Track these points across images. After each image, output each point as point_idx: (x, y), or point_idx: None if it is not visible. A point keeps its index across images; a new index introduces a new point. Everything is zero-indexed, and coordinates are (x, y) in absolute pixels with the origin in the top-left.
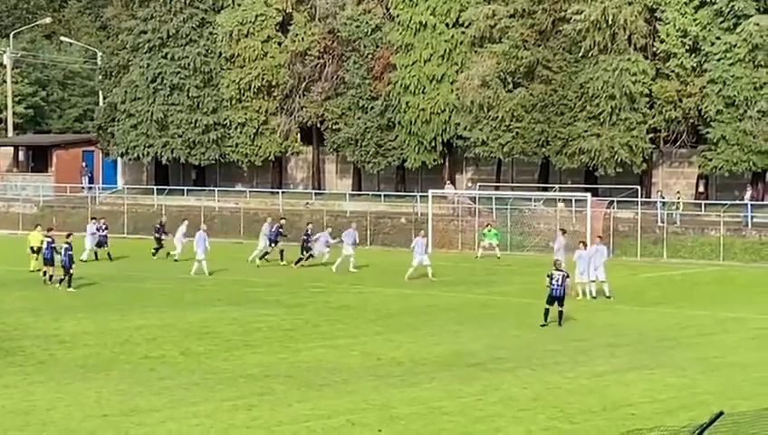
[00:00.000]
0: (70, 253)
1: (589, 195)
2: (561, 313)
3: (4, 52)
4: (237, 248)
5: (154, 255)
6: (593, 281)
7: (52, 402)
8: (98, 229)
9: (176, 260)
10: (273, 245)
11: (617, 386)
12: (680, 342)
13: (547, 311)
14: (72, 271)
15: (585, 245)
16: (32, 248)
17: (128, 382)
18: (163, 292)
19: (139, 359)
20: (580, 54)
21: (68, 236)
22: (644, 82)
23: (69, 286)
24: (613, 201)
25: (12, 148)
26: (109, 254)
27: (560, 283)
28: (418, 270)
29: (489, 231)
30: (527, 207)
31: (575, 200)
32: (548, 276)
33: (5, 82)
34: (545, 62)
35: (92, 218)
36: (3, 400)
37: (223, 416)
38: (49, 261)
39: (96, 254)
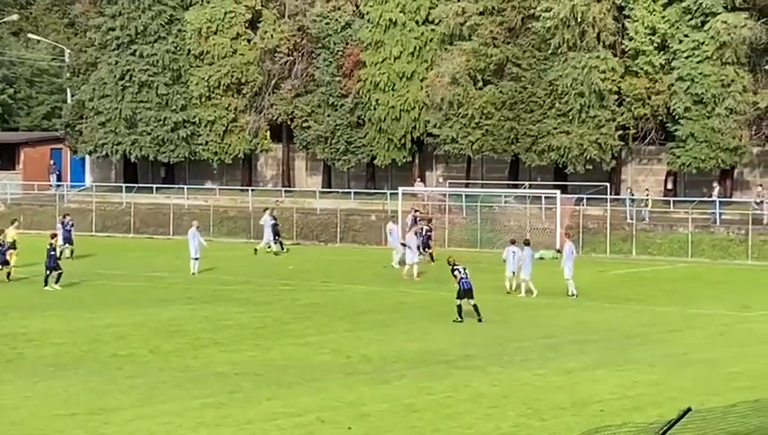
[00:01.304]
0: (53, 253)
1: (558, 192)
2: (475, 306)
3: None
4: (208, 246)
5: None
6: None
7: (20, 401)
8: (63, 225)
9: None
10: (277, 237)
11: (586, 383)
12: (649, 338)
13: (460, 307)
14: (60, 270)
15: (528, 243)
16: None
17: (96, 381)
18: (132, 290)
19: (107, 357)
20: (550, 52)
21: (52, 236)
22: (613, 80)
23: (56, 282)
24: (582, 198)
25: None
26: (72, 252)
27: (466, 276)
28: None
29: None
30: (497, 205)
31: (545, 197)
32: (454, 272)
33: None
34: (515, 59)
35: (66, 215)
36: None
37: (192, 414)
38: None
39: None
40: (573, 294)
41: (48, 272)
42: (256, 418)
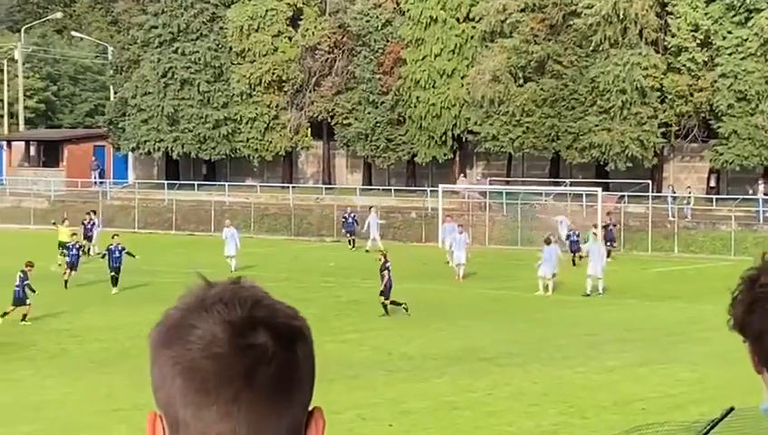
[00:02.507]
0: (116, 255)
1: (599, 190)
2: (393, 302)
3: (16, 47)
4: (248, 243)
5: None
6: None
7: (64, 396)
8: (84, 223)
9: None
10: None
11: (628, 381)
12: (691, 336)
13: (385, 305)
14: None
15: (549, 241)
16: (60, 244)
17: (139, 376)
18: (174, 286)
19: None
20: (591, 49)
21: (113, 236)
22: (655, 77)
23: (114, 285)
24: (624, 196)
25: (23, 142)
26: (88, 250)
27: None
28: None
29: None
30: (537, 202)
31: (586, 195)
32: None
33: (17, 76)
34: (556, 56)
35: (92, 211)
36: (15, 393)
37: None
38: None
39: (87, 249)
40: (598, 292)
41: (114, 274)
42: None
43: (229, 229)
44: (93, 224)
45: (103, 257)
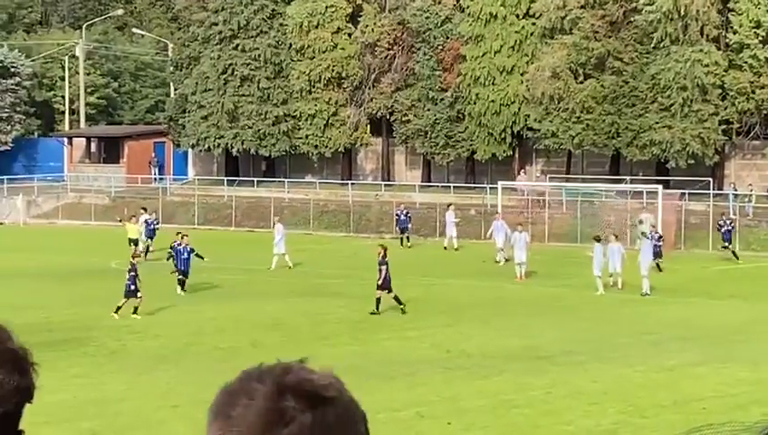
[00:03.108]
0: (184, 257)
1: (660, 187)
2: (396, 298)
3: (77, 43)
4: (307, 239)
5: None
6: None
7: (124, 393)
8: (147, 222)
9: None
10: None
11: (688, 380)
12: (752, 335)
13: (379, 299)
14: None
15: (599, 239)
16: (130, 240)
17: (198, 373)
18: (233, 283)
19: (209, 350)
20: (652, 45)
21: (182, 236)
22: (716, 74)
23: (182, 288)
24: (685, 193)
25: (84, 139)
26: (147, 249)
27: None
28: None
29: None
30: (597, 199)
31: (646, 192)
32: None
33: (78, 73)
34: (616, 53)
35: (142, 208)
36: (75, 389)
37: None
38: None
39: (148, 247)
40: (646, 294)
41: (180, 275)
42: None
43: (279, 226)
44: (157, 221)
45: (169, 259)
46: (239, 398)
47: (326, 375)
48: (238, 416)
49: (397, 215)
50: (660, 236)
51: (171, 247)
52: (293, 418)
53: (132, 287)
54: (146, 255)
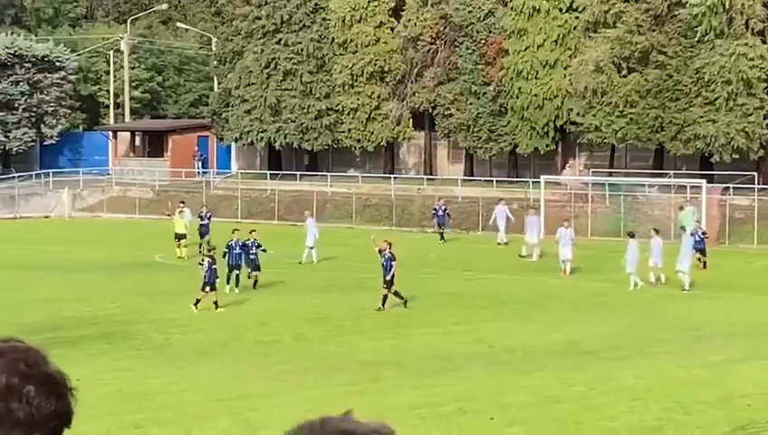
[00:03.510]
0: (236, 251)
1: (704, 181)
2: (396, 293)
3: (122, 38)
4: (350, 233)
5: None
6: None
7: (168, 386)
8: (200, 217)
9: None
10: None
11: (732, 376)
12: None
13: (386, 296)
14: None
15: (657, 231)
16: (176, 235)
17: (242, 367)
18: (276, 277)
19: (252, 344)
20: (696, 39)
21: (251, 232)
22: (761, 67)
23: (236, 286)
24: (729, 188)
25: (129, 133)
26: (201, 246)
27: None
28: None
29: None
30: (641, 194)
31: (690, 187)
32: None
33: (123, 67)
34: (660, 47)
35: (181, 202)
36: (120, 383)
37: (336, 402)
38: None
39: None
40: (685, 289)
41: (232, 272)
42: (399, 406)
43: (310, 221)
44: (210, 216)
45: (225, 256)
46: None
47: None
48: None
49: (434, 210)
50: (704, 233)
51: (234, 244)
52: None
53: (210, 280)
54: (200, 250)
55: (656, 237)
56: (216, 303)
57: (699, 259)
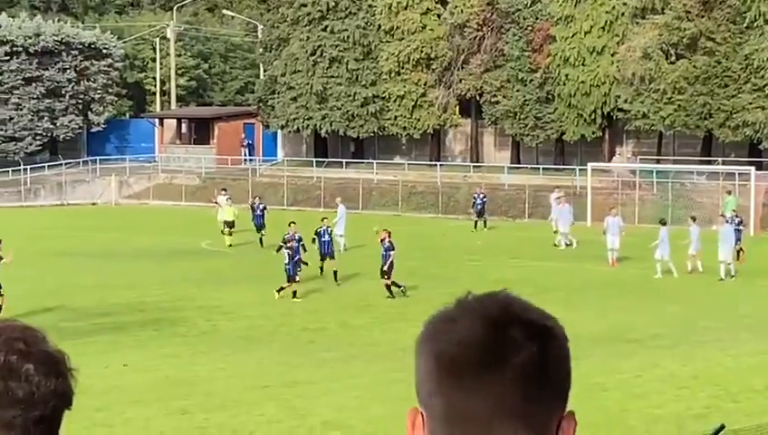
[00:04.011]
0: (326, 239)
1: (752, 169)
2: (394, 283)
3: (168, 25)
4: (395, 221)
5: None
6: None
7: (215, 372)
8: (252, 208)
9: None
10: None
11: None
12: None
13: (389, 286)
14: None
15: (694, 219)
16: (225, 222)
17: (288, 354)
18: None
19: (299, 331)
20: (745, 25)
21: (322, 220)
22: None
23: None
24: None
25: (175, 120)
26: (261, 240)
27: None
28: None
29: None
30: (689, 181)
31: (738, 174)
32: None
33: (169, 54)
34: (709, 33)
35: (222, 190)
36: (167, 369)
37: (382, 389)
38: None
39: (260, 238)
40: (721, 279)
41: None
42: None
43: (341, 208)
44: (265, 208)
45: (314, 242)
46: (460, 322)
47: (542, 310)
48: (461, 340)
49: (474, 198)
50: (741, 221)
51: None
52: (522, 347)
53: (292, 272)
54: (261, 244)
55: (693, 225)
56: (294, 293)
57: (740, 249)
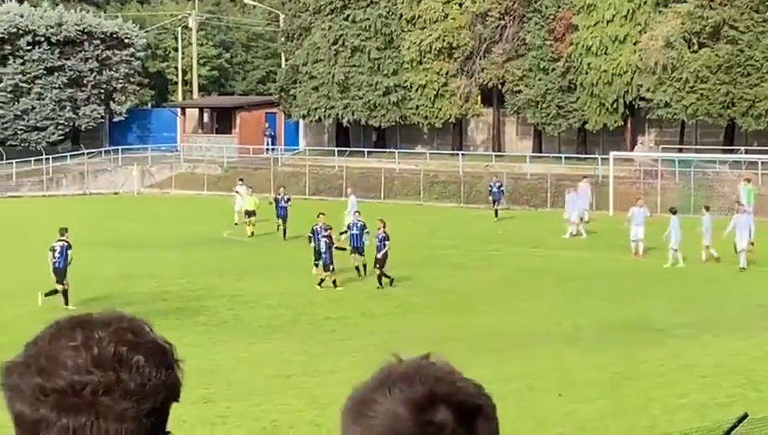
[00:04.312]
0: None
1: None
2: (384, 274)
3: (190, 15)
4: (417, 210)
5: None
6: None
7: (237, 362)
8: (276, 200)
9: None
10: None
11: None
12: None
13: (380, 276)
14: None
15: (708, 208)
16: (247, 212)
17: (310, 343)
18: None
19: (320, 320)
20: None
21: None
22: None
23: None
24: None
25: (197, 109)
26: (285, 232)
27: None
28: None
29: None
30: (711, 170)
31: (761, 163)
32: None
33: (191, 44)
34: (732, 21)
35: (240, 180)
36: (189, 358)
37: None
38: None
39: (281, 229)
40: (743, 268)
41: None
42: None
43: (353, 198)
44: (289, 199)
45: (310, 242)
46: (383, 404)
47: (472, 382)
48: (384, 425)
49: (490, 187)
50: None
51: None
52: (450, 432)
53: (328, 260)
54: (284, 236)
55: (706, 215)
56: (334, 282)
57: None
